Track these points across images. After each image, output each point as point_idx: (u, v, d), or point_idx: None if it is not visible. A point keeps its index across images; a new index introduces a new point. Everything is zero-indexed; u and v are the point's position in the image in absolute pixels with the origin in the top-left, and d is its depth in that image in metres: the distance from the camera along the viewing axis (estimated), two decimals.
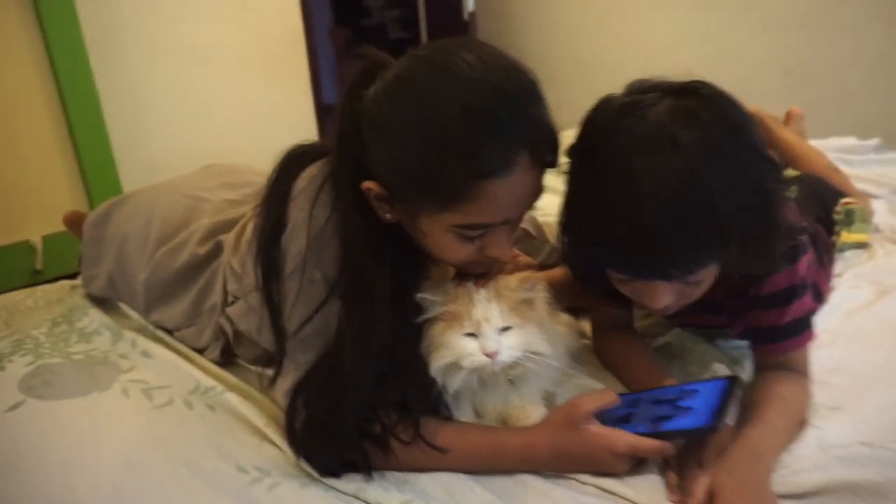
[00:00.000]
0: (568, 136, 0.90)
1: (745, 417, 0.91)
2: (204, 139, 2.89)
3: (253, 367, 1.13)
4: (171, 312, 1.25)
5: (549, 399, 1.01)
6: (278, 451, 0.94)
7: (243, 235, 1.11)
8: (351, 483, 0.87)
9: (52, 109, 2.51)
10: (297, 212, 0.92)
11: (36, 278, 2.42)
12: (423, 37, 4.15)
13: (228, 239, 1.16)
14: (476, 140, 0.79)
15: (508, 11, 3.87)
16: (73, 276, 1.54)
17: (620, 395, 0.93)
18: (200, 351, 1.21)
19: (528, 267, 1.02)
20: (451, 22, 3.53)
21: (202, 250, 1.19)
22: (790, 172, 1.55)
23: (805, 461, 0.85)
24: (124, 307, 1.37)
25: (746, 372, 1.07)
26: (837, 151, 2.01)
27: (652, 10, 3.29)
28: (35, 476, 0.90)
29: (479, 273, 0.95)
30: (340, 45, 4.78)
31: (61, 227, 1.61)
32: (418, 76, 0.83)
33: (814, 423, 0.92)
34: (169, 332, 1.28)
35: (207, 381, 1.11)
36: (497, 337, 0.89)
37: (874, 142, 2.13)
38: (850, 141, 2.15)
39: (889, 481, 0.79)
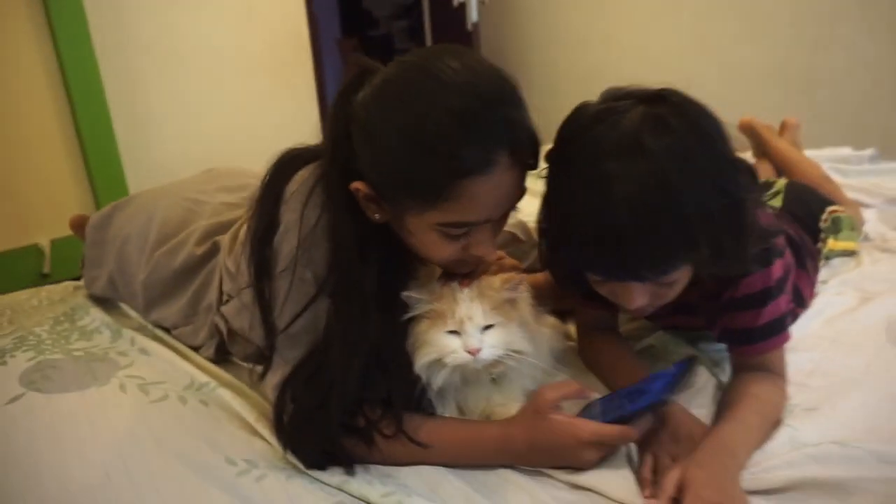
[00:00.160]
0: None
1: (719, 415, 0.93)
2: (211, 146, 2.91)
3: (245, 364, 1.15)
4: (168, 311, 1.28)
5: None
6: (267, 445, 0.97)
7: (238, 237, 1.14)
8: (335, 476, 0.90)
9: (60, 115, 2.54)
10: (289, 213, 0.95)
11: (43, 282, 2.42)
12: None
13: (224, 240, 1.20)
14: (458, 140, 0.82)
15: (512, 22, 3.91)
16: (79, 280, 1.55)
17: (600, 398, 0.96)
18: (196, 348, 1.24)
19: (513, 269, 1.04)
20: (456, 32, 3.57)
21: (199, 251, 1.22)
22: (781, 181, 1.57)
23: (777, 458, 0.86)
24: (124, 307, 1.40)
25: (726, 374, 1.08)
26: (832, 161, 2.02)
27: (655, 21, 3.32)
28: (31, 465, 0.93)
29: (464, 273, 0.98)
30: (347, 56, 4.83)
31: (69, 231, 1.62)
32: (404, 81, 0.87)
33: (788, 423, 0.93)
34: (167, 330, 1.31)
35: (202, 378, 1.14)
36: (479, 335, 0.92)
37: (869, 151, 2.13)
38: (846, 151, 2.17)
39: (857, 478, 0.81)
